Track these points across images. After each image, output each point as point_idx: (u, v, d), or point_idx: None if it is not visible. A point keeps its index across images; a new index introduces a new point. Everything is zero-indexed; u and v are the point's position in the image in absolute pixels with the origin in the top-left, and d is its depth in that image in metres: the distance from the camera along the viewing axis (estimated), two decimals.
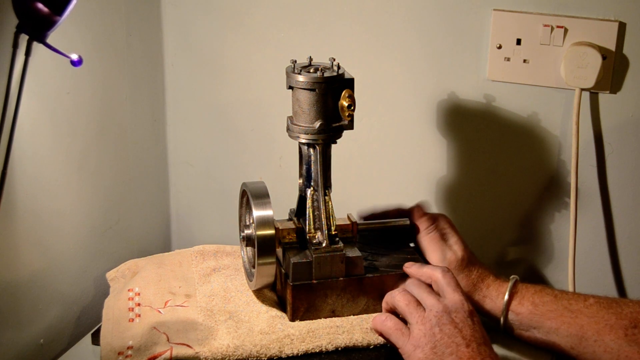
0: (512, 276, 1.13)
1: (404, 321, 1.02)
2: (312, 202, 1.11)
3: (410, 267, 1.09)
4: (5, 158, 0.94)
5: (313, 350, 1.05)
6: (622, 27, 1.18)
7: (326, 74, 1.07)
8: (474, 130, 1.29)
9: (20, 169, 1.08)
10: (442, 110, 1.30)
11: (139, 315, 1.09)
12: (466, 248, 1.15)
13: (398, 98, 1.31)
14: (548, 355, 1.11)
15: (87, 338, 1.16)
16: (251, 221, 1.10)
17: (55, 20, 0.91)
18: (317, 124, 1.08)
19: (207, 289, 1.15)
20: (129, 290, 1.14)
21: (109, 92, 1.27)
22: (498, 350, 0.99)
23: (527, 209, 1.30)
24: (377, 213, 1.21)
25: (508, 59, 1.24)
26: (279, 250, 1.12)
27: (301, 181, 1.13)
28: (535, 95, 1.25)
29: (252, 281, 1.12)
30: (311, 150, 1.10)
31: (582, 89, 1.20)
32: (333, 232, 1.10)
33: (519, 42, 1.23)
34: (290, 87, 1.09)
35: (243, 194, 1.14)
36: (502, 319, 1.11)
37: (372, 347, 1.06)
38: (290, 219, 1.15)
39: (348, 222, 1.14)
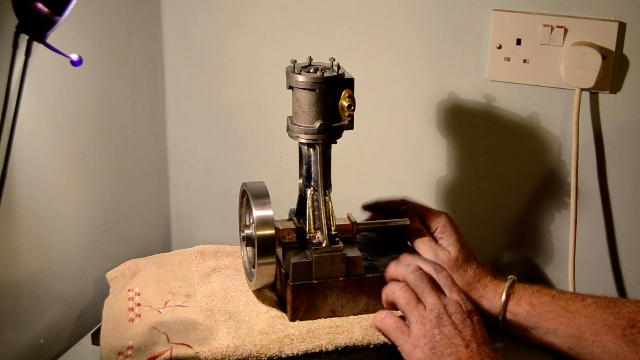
0: (509, 276, 1.13)
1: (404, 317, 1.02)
2: (312, 202, 1.11)
3: (405, 259, 1.09)
4: (5, 158, 0.94)
5: (313, 350, 1.05)
6: (622, 27, 1.18)
7: (326, 74, 1.07)
8: (474, 130, 1.29)
9: (20, 169, 1.08)
10: (442, 110, 1.30)
11: (139, 315, 1.09)
12: (463, 247, 1.14)
13: (398, 98, 1.31)
14: (547, 355, 1.11)
15: (87, 338, 1.16)
16: (251, 221, 1.10)
17: (55, 20, 0.91)
18: (317, 124, 1.08)
19: (207, 289, 1.15)
20: (129, 290, 1.14)
21: (109, 92, 1.27)
22: (497, 350, 0.99)
23: (527, 209, 1.30)
24: (382, 202, 1.21)
25: (508, 59, 1.24)
26: (279, 250, 1.12)
27: (301, 181, 1.13)
28: (535, 95, 1.25)
29: (252, 281, 1.12)
30: (311, 150, 1.10)
31: (582, 89, 1.20)
32: (333, 232, 1.10)
33: (519, 42, 1.23)
34: (290, 87, 1.09)
35: (243, 194, 1.14)
36: (499, 320, 1.11)
37: (372, 346, 1.06)
38: (290, 219, 1.15)
39: (348, 222, 1.14)
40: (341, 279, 1.09)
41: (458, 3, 1.24)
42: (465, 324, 0.98)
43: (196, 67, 1.40)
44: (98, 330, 1.12)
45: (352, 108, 1.07)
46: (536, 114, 1.26)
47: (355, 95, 1.08)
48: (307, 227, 1.10)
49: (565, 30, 1.20)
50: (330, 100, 1.08)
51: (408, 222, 1.17)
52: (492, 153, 1.29)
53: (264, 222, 1.07)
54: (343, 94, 1.08)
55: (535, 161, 1.28)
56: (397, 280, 1.06)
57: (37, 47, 0.93)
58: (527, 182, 1.29)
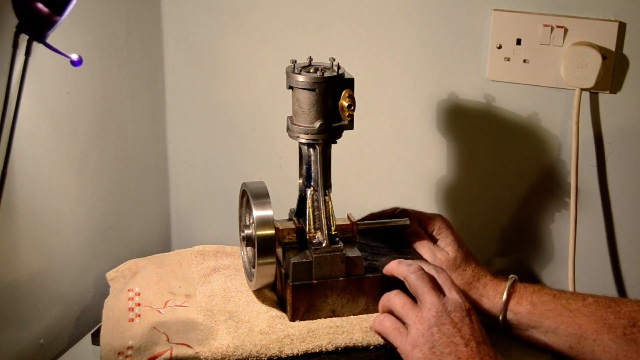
0: (510, 275, 1.13)
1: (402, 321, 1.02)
2: (312, 202, 1.11)
3: (401, 262, 1.09)
4: (5, 158, 0.94)
5: (313, 350, 1.05)
6: (622, 27, 1.18)
7: (326, 74, 1.07)
8: (474, 130, 1.29)
9: (20, 169, 1.08)
10: (442, 110, 1.30)
11: (139, 315, 1.09)
12: (460, 248, 1.14)
13: (398, 98, 1.31)
14: (547, 355, 1.11)
15: (87, 338, 1.16)
16: (251, 221, 1.10)
17: (55, 20, 0.91)
18: (317, 124, 1.08)
19: (207, 289, 1.15)
20: (129, 290, 1.14)
21: (109, 92, 1.27)
22: (497, 350, 0.99)
23: (527, 209, 1.30)
24: (375, 215, 1.21)
25: (508, 59, 1.24)
26: (279, 250, 1.12)
27: (301, 181, 1.13)
28: (535, 95, 1.25)
29: (252, 281, 1.12)
30: (311, 150, 1.10)
31: (582, 89, 1.20)
32: (333, 232, 1.10)
33: (519, 42, 1.23)
34: (290, 87, 1.09)
35: (243, 194, 1.14)
36: (500, 319, 1.11)
37: (372, 347, 1.06)
38: (290, 219, 1.15)
39: (348, 222, 1.14)
40: (341, 279, 1.09)
41: (458, 3, 1.24)
42: (464, 323, 0.98)
43: (196, 67, 1.40)
44: (98, 330, 1.12)
45: (352, 108, 1.07)
46: (536, 114, 1.26)
47: (355, 95, 1.08)
48: (307, 227, 1.10)
49: (565, 30, 1.20)
50: (330, 100, 1.08)
51: (408, 222, 1.17)
52: (492, 153, 1.29)
53: (264, 222, 1.07)
54: (343, 94, 1.08)
55: (535, 161, 1.28)
56: (396, 277, 1.07)
57: (37, 47, 0.93)
58: (527, 183, 1.29)
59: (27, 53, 0.92)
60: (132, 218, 1.36)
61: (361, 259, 1.11)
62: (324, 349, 1.05)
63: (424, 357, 0.96)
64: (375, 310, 1.11)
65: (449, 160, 1.32)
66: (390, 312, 1.05)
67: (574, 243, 1.23)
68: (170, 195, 1.48)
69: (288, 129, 1.11)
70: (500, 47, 1.24)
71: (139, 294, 1.13)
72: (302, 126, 1.09)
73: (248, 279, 1.15)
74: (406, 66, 1.29)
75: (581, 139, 1.22)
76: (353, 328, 1.08)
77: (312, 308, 1.09)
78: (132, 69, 1.32)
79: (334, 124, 1.09)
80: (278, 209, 1.10)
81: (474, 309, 1.02)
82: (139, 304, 1.11)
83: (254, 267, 1.11)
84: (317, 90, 1.07)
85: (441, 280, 1.03)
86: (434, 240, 1.16)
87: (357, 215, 1.17)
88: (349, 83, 1.09)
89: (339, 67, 1.10)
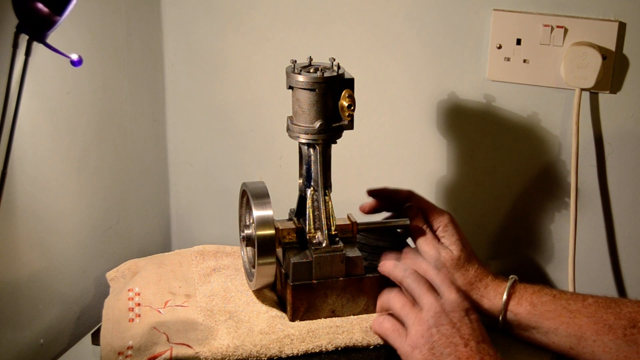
0: (511, 276, 1.13)
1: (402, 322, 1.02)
2: (312, 202, 1.11)
3: (406, 258, 1.09)
4: (5, 158, 0.94)
5: (313, 350, 1.05)
6: (622, 27, 1.18)
7: (326, 74, 1.07)
8: (474, 130, 1.29)
9: (20, 169, 1.08)
10: (442, 110, 1.30)
11: (139, 315, 1.09)
12: (465, 247, 1.14)
13: (398, 98, 1.31)
14: (547, 355, 1.11)
15: (87, 338, 1.16)
16: (251, 221, 1.10)
17: (55, 20, 0.91)
18: (317, 124, 1.08)
19: (207, 289, 1.15)
20: (129, 290, 1.14)
21: (109, 92, 1.27)
22: (497, 350, 0.99)
23: (527, 209, 1.30)
24: (388, 190, 1.21)
25: (508, 59, 1.24)
26: (279, 250, 1.12)
27: (301, 181, 1.13)
28: (535, 95, 1.25)
29: (252, 281, 1.12)
30: (311, 150, 1.10)
31: (582, 89, 1.20)
32: (333, 232, 1.10)
33: (519, 42, 1.23)
34: (290, 87, 1.09)
35: (243, 194, 1.14)
36: (500, 319, 1.11)
37: (372, 347, 1.06)
38: (290, 219, 1.15)
39: (348, 222, 1.14)
40: (341, 279, 1.09)
41: (458, 3, 1.24)
42: (463, 322, 0.98)
43: (196, 67, 1.40)
44: (98, 330, 1.12)
45: (352, 108, 1.07)
46: (536, 114, 1.26)
47: (355, 95, 1.08)
48: (307, 227, 1.10)
49: (565, 30, 1.20)
50: (330, 100, 1.08)
51: (408, 222, 1.17)
52: (492, 153, 1.29)
53: (264, 222, 1.07)
54: (343, 94, 1.08)
55: (535, 161, 1.28)
56: (390, 277, 1.06)
57: (37, 47, 0.93)
58: (527, 183, 1.29)
59: (27, 53, 0.92)
60: (132, 218, 1.36)
61: (361, 259, 1.11)
62: (324, 349, 1.05)
63: (423, 358, 0.96)
64: (375, 310, 1.11)
65: (449, 160, 1.32)
66: (390, 312, 1.05)
67: (574, 243, 1.23)
68: (170, 195, 1.48)
69: (288, 129, 1.11)
70: (500, 47, 1.24)
71: (139, 294, 1.13)
72: (302, 126, 1.09)
73: (248, 279, 1.15)
74: (406, 66, 1.29)
75: (581, 139, 1.22)
76: (353, 328, 1.08)
77: (312, 308, 1.09)
78: (132, 69, 1.32)
79: (334, 124, 1.09)
80: (278, 209, 1.10)
81: (474, 309, 1.02)
82: (139, 304, 1.11)
83: (254, 267, 1.11)
84: (317, 90, 1.07)
85: (439, 279, 1.03)
86: (438, 237, 1.16)
87: (357, 216, 1.17)
88: (349, 83, 1.09)
89: (339, 67, 1.10)
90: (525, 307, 1.10)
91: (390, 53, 1.30)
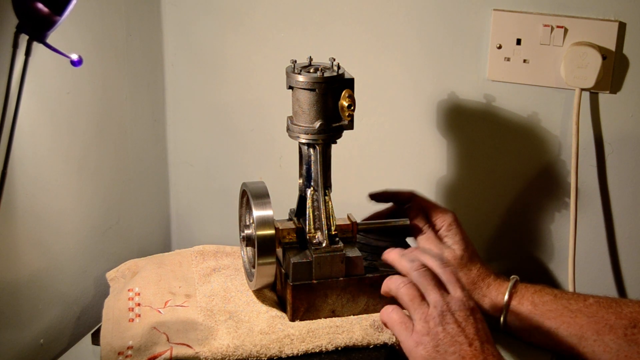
0: (512, 276, 1.13)
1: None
2: (312, 202, 1.11)
3: (411, 253, 1.09)
4: (5, 158, 0.94)
5: (313, 350, 1.05)
6: (622, 27, 1.18)
7: (326, 74, 1.07)
8: (474, 130, 1.29)
9: (20, 169, 1.08)
10: (442, 110, 1.30)
11: (139, 315, 1.09)
12: (468, 247, 1.15)
13: (398, 98, 1.31)
14: (547, 355, 1.11)
15: (87, 338, 1.16)
16: (251, 221, 1.10)
17: (55, 20, 0.91)
18: (317, 124, 1.08)
19: (207, 289, 1.15)
20: (129, 290, 1.14)
21: (109, 92, 1.27)
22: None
23: (527, 209, 1.30)
24: (390, 192, 1.21)
25: (508, 59, 1.24)
26: (279, 250, 1.12)
27: (301, 181, 1.13)
28: (535, 95, 1.25)
29: (252, 281, 1.12)
30: (311, 150, 1.10)
31: (582, 89, 1.20)
32: (333, 232, 1.10)
33: (519, 42, 1.23)
34: (290, 87, 1.09)
35: (243, 194, 1.14)
36: (501, 319, 1.11)
37: (372, 347, 1.06)
38: (290, 219, 1.15)
39: (348, 222, 1.14)
40: (341, 279, 1.09)
41: (458, 3, 1.24)
42: (468, 322, 0.97)
43: (196, 67, 1.40)
44: (98, 330, 1.12)
45: (352, 108, 1.07)
46: (536, 114, 1.26)
47: (355, 95, 1.08)
48: (307, 227, 1.10)
49: (565, 30, 1.20)
50: (330, 100, 1.08)
51: (408, 222, 1.17)
52: (492, 153, 1.29)
53: (264, 222, 1.07)
54: (343, 94, 1.08)
55: (535, 161, 1.28)
56: (395, 266, 1.06)
57: (37, 47, 0.93)
58: (527, 183, 1.29)
59: (27, 53, 0.92)
60: (132, 218, 1.36)
61: (361, 259, 1.11)
62: (324, 349, 1.05)
63: (427, 355, 0.96)
64: (375, 310, 1.11)
65: (449, 160, 1.32)
66: (392, 298, 1.04)
67: (574, 243, 1.23)
68: (170, 195, 1.48)
69: (288, 129, 1.11)
70: (500, 47, 1.24)
71: (139, 294, 1.13)
72: (302, 126, 1.09)
73: (248, 279, 1.15)
74: (406, 66, 1.29)
75: (581, 139, 1.22)
76: (353, 328, 1.07)
77: (312, 308, 1.09)
78: (132, 69, 1.32)
79: (334, 124, 1.09)
80: (278, 209, 1.10)
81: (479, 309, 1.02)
82: (139, 304, 1.11)
83: (254, 267, 1.11)
84: (317, 90, 1.07)
85: (446, 276, 1.02)
86: (441, 237, 1.16)
87: (357, 215, 1.17)
88: (349, 83, 1.09)
89: (339, 67, 1.10)
90: (527, 306, 1.10)
91: (390, 53, 1.30)
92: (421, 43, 1.28)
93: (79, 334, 1.22)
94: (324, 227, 1.10)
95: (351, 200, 1.23)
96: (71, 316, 1.22)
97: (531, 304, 1.10)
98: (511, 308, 1.11)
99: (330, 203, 1.11)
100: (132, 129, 1.33)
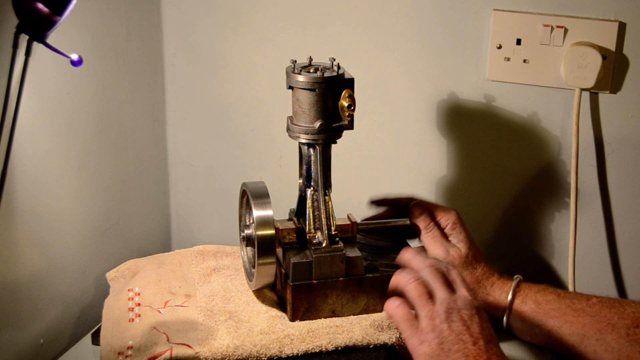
0: (515, 276, 1.13)
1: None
2: (312, 202, 1.11)
3: (417, 255, 1.09)
4: (5, 158, 0.94)
5: (313, 350, 1.05)
6: (622, 27, 1.18)
7: (326, 74, 1.07)
8: (474, 130, 1.29)
9: (20, 169, 1.08)
10: (442, 110, 1.30)
11: (139, 315, 1.09)
12: (472, 245, 1.15)
13: (398, 98, 1.31)
14: (548, 355, 1.11)
15: (87, 338, 1.16)
16: (251, 221, 1.10)
17: (55, 20, 0.91)
18: (317, 124, 1.08)
19: (207, 289, 1.15)
20: (129, 290, 1.14)
21: (109, 92, 1.27)
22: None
23: (527, 209, 1.30)
24: (390, 198, 1.21)
25: (508, 59, 1.24)
26: (279, 250, 1.12)
27: (301, 181, 1.13)
28: (535, 95, 1.25)
29: (252, 281, 1.12)
30: (311, 150, 1.10)
31: (582, 89, 1.20)
32: (333, 232, 1.10)
33: (519, 42, 1.23)
34: (290, 87, 1.09)
35: (243, 194, 1.14)
36: (505, 318, 1.11)
37: (372, 347, 1.06)
38: (290, 219, 1.15)
39: (348, 222, 1.14)
40: (341, 279, 1.09)
41: (458, 3, 1.24)
42: (473, 321, 0.98)
43: (196, 67, 1.40)
44: (98, 330, 1.12)
45: (352, 108, 1.07)
46: (536, 114, 1.26)
47: (355, 95, 1.08)
48: (307, 227, 1.10)
49: (565, 30, 1.20)
50: (330, 100, 1.08)
51: (408, 222, 1.17)
52: (492, 153, 1.29)
53: (264, 222, 1.07)
54: (343, 94, 1.08)
55: (535, 161, 1.28)
56: (408, 265, 1.05)
57: (37, 47, 0.93)
58: (527, 183, 1.29)
59: (27, 53, 0.92)
60: (132, 218, 1.36)
61: (361, 259, 1.11)
62: (324, 349, 1.05)
63: (432, 352, 0.96)
64: (375, 310, 1.11)
65: (449, 160, 1.32)
66: (398, 293, 1.04)
67: (574, 243, 1.23)
68: (170, 195, 1.48)
69: (288, 129, 1.11)
70: (500, 47, 1.24)
71: (139, 294, 1.13)
72: (302, 126, 1.09)
73: (248, 279, 1.15)
74: (406, 66, 1.29)
75: (581, 139, 1.22)
76: (353, 328, 1.08)
77: (312, 308, 1.09)
78: (132, 69, 1.31)
79: (334, 124, 1.09)
80: (278, 209, 1.10)
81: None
82: (139, 304, 1.11)
83: (254, 267, 1.11)
84: (317, 90, 1.07)
85: (452, 277, 1.02)
86: (446, 235, 1.16)
87: (357, 215, 1.17)
88: (349, 83, 1.09)
89: (339, 67, 1.10)
90: (530, 305, 1.10)
91: (390, 53, 1.30)
92: (421, 43, 1.28)
93: (79, 334, 1.22)
94: (324, 227, 1.10)
95: (351, 200, 1.23)
96: (71, 316, 1.22)
97: (534, 302, 1.10)
98: (514, 307, 1.11)
99: (330, 203, 1.11)
100: (132, 129, 1.33)
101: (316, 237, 1.10)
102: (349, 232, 1.14)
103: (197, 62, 1.39)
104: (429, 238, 1.15)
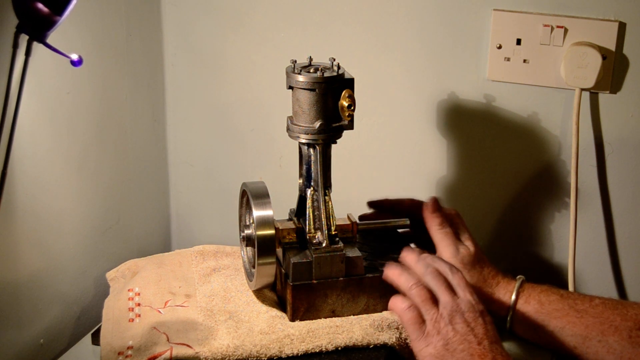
0: (519, 276, 1.14)
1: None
2: (312, 202, 1.11)
3: (420, 257, 1.09)
4: (5, 158, 0.94)
5: (313, 350, 1.05)
6: (622, 27, 1.18)
7: (326, 74, 1.07)
8: (474, 130, 1.29)
9: (20, 169, 1.08)
10: (442, 110, 1.30)
11: (139, 315, 1.09)
12: (477, 244, 1.15)
13: (398, 98, 1.31)
14: (548, 355, 1.11)
15: (87, 338, 1.16)
16: (251, 221, 1.10)
17: (55, 20, 0.91)
18: (317, 124, 1.08)
19: (207, 289, 1.15)
20: (129, 290, 1.14)
21: (109, 92, 1.27)
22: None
23: (527, 209, 1.30)
24: (390, 201, 1.21)
25: (508, 59, 1.24)
26: (279, 250, 1.12)
27: (301, 181, 1.13)
28: (535, 95, 1.25)
29: (252, 281, 1.12)
30: (311, 150, 1.10)
31: (582, 89, 1.20)
32: (333, 232, 1.10)
33: (519, 42, 1.23)
34: (290, 87, 1.09)
35: (243, 194, 1.14)
36: (508, 317, 1.11)
37: (372, 347, 1.06)
38: (290, 219, 1.15)
39: (348, 222, 1.14)
40: (341, 279, 1.09)
41: (458, 3, 1.24)
42: (477, 322, 0.98)
43: (196, 67, 1.40)
44: (98, 330, 1.12)
45: (352, 108, 1.07)
46: (536, 114, 1.26)
47: (355, 95, 1.08)
48: (307, 227, 1.10)
49: (565, 30, 1.20)
50: (330, 100, 1.08)
51: (408, 222, 1.17)
52: (492, 153, 1.29)
53: (264, 222, 1.07)
54: (343, 94, 1.08)
55: (535, 161, 1.28)
56: (411, 268, 1.06)
57: (37, 47, 0.93)
58: (527, 183, 1.29)
59: (27, 53, 0.92)
60: (132, 218, 1.36)
61: (361, 259, 1.11)
62: (324, 349, 1.05)
63: (436, 353, 0.97)
64: (375, 310, 1.11)
65: (449, 160, 1.32)
66: (400, 292, 1.04)
67: (574, 243, 1.23)
68: (170, 195, 1.48)
69: (288, 129, 1.11)
70: (500, 47, 1.24)
71: (139, 294, 1.13)
72: (302, 126, 1.09)
73: (248, 279, 1.15)
74: (406, 66, 1.29)
75: (581, 139, 1.22)
76: (353, 328, 1.07)
77: (312, 308, 1.09)
78: (132, 69, 1.32)
79: (334, 124, 1.09)
80: (278, 209, 1.10)
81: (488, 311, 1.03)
82: (139, 304, 1.11)
83: (254, 267, 1.11)
84: (317, 90, 1.07)
85: (455, 280, 1.03)
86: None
87: (357, 215, 1.17)
88: (349, 83, 1.09)
89: (339, 67, 1.10)
90: (533, 305, 1.10)
91: (390, 53, 1.30)
92: (421, 43, 1.28)
93: (79, 334, 1.22)
94: (324, 227, 1.10)
95: (351, 200, 1.23)
96: (71, 316, 1.22)
97: (538, 302, 1.10)
98: (518, 307, 1.11)
99: (330, 203, 1.11)
100: (132, 129, 1.33)
101: (316, 237, 1.10)
102: (349, 232, 1.14)
103: (197, 62, 1.39)
104: (441, 234, 1.14)
